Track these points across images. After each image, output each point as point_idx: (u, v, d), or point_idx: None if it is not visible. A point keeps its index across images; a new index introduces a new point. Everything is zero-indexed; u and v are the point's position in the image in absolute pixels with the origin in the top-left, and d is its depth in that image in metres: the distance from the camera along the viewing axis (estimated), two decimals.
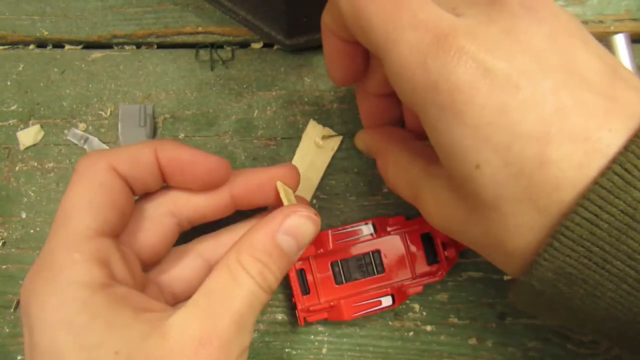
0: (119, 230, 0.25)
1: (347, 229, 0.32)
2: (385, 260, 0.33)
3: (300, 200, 0.29)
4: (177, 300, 0.28)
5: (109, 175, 0.24)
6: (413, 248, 0.33)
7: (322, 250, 0.31)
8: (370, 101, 0.29)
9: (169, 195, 0.27)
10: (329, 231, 0.31)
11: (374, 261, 0.32)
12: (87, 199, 0.23)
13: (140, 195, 0.27)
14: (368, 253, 0.32)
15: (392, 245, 0.33)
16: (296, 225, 0.24)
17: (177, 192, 0.27)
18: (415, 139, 0.28)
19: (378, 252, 0.32)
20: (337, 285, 0.32)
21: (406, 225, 0.32)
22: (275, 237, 0.23)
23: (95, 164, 0.24)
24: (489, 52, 0.18)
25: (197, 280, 0.28)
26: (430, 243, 0.33)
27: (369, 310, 0.31)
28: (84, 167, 0.24)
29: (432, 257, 0.33)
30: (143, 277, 0.26)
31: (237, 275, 0.22)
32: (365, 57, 0.26)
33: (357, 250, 0.32)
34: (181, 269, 0.28)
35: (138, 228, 0.26)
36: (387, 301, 0.31)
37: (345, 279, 0.32)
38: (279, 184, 0.27)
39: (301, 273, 0.32)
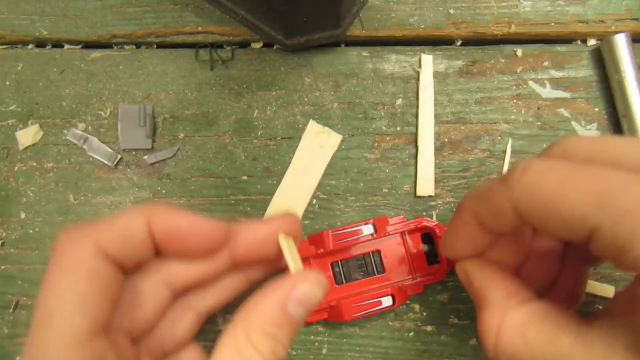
0: (109, 320, 0.22)
1: (347, 229, 0.32)
2: (385, 261, 0.32)
3: (291, 224, 0.26)
4: (166, 355, 0.25)
5: (96, 261, 0.20)
6: (413, 248, 0.33)
7: (322, 250, 0.31)
8: (488, 234, 0.24)
9: (162, 265, 0.24)
10: (329, 231, 0.31)
11: (374, 261, 0.32)
12: (73, 294, 0.20)
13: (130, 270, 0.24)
14: (368, 253, 0.32)
15: (393, 246, 0.33)
16: (306, 292, 0.22)
17: (170, 261, 0.24)
18: (538, 297, 0.23)
19: (378, 252, 0.32)
20: (337, 285, 0.32)
21: (406, 225, 0.32)
22: (285, 308, 0.22)
23: (80, 247, 0.20)
24: None
25: (188, 333, 0.26)
26: (430, 243, 0.33)
27: (369, 311, 0.31)
28: (66, 251, 0.20)
29: (432, 257, 0.33)
30: (135, 353, 0.23)
31: (247, 356, 0.21)
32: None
33: (358, 250, 0.32)
34: (172, 327, 0.25)
35: (129, 304, 0.23)
36: (387, 301, 0.31)
37: (345, 279, 0.32)
38: (282, 238, 0.25)
39: None
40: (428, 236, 0.33)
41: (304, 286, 0.22)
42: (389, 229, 0.32)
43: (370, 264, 0.32)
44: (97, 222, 0.22)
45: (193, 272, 0.24)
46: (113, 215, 0.22)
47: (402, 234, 0.33)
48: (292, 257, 0.25)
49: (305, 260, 0.32)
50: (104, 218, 0.22)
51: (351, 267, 0.32)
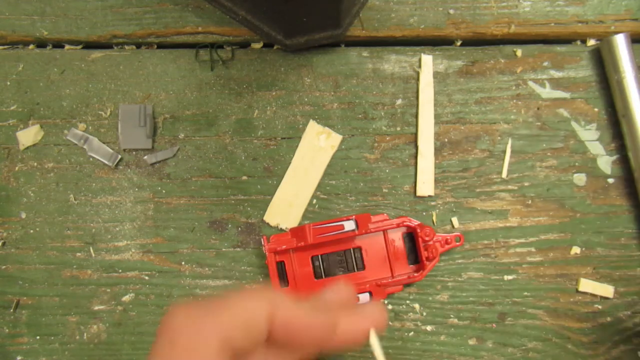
0: None
1: (328, 223, 0.32)
2: (366, 258, 0.33)
3: (384, 318, 0.26)
4: None
5: (223, 358, 0.19)
6: (395, 247, 0.33)
7: (302, 243, 0.31)
8: None
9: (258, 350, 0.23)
10: (310, 225, 0.31)
11: (355, 257, 0.33)
12: None
13: None
14: (349, 249, 0.32)
15: (374, 243, 0.33)
16: None
17: (268, 347, 0.23)
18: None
19: (359, 248, 0.33)
20: (316, 280, 0.32)
21: (389, 223, 0.32)
22: None
23: (207, 339, 0.19)
24: None
25: None
26: (412, 243, 0.33)
27: None
28: (190, 341, 0.19)
29: (413, 256, 0.33)
30: None
31: None
32: None
33: (339, 245, 0.32)
34: None
35: None
36: (364, 298, 0.31)
37: (325, 273, 0.32)
38: (372, 334, 0.25)
39: (281, 265, 0.32)
40: (410, 236, 0.33)
41: None
42: (371, 226, 0.32)
43: (350, 260, 0.32)
44: (219, 306, 0.20)
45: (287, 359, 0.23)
46: (234, 298, 0.21)
47: (385, 232, 0.33)
48: (382, 353, 0.25)
49: (286, 252, 0.32)
50: (225, 300, 0.21)
51: (331, 262, 0.32)
